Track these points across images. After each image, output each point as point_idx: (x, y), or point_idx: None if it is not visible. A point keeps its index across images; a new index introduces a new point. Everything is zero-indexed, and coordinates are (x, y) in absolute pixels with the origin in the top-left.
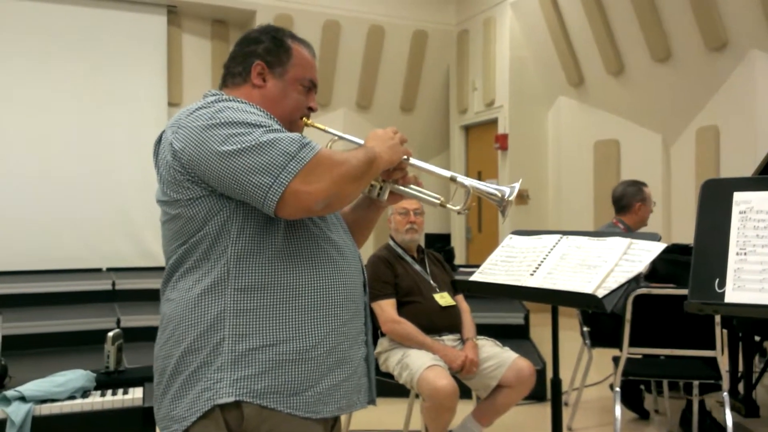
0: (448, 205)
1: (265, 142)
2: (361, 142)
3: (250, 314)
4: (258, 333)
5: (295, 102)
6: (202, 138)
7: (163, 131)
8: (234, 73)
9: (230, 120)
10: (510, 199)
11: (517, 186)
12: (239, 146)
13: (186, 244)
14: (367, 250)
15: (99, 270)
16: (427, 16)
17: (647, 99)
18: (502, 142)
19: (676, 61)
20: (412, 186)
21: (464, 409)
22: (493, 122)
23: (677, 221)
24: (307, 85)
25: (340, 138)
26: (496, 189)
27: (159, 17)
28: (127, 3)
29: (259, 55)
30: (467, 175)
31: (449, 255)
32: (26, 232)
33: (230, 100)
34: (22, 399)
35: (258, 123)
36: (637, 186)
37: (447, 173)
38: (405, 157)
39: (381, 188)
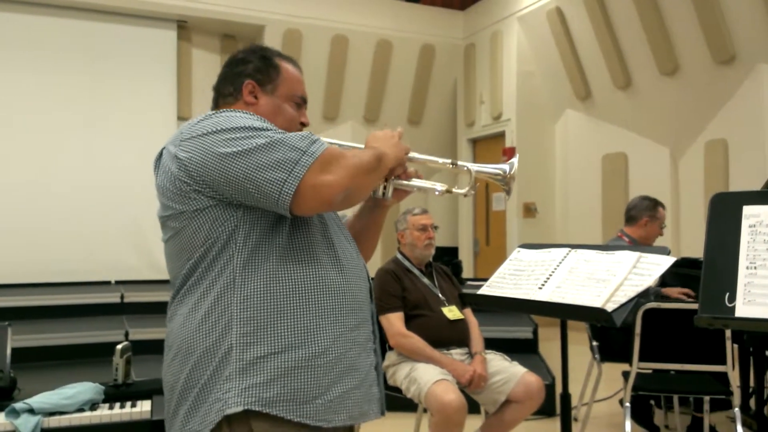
0: (454, 190)
1: (275, 140)
2: (358, 146)
3: (256, 321)
4: (265, 340)
5: (288, 117)
6: (209, 144)
7: (163, 148)
8: (225, 93)
9: (235, 125)
10: (512, 174)
11: (515, 161)
12: (248, 146)
13: (192, 258)
14: (375, 263)
15: (108, 283)
16: (435, 30)
17: (655, 112)
18: (510, 155)
19: (684, 75)
20: (414, 179)
21: (472, 424)
22: (501, 135)
23: (686, 235)
24: (297, 101)
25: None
26: (496, 168)
27: (169, 32)
28: (137, 17)
29: (248, 74)
30: (475, 188)
31: (457, 268)
32: (35, 245)
33: (230, 111)
34: (31, 411)
35: (263, 127)
36: (652, 202)
37: (447, 160)
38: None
39: (385, 187)
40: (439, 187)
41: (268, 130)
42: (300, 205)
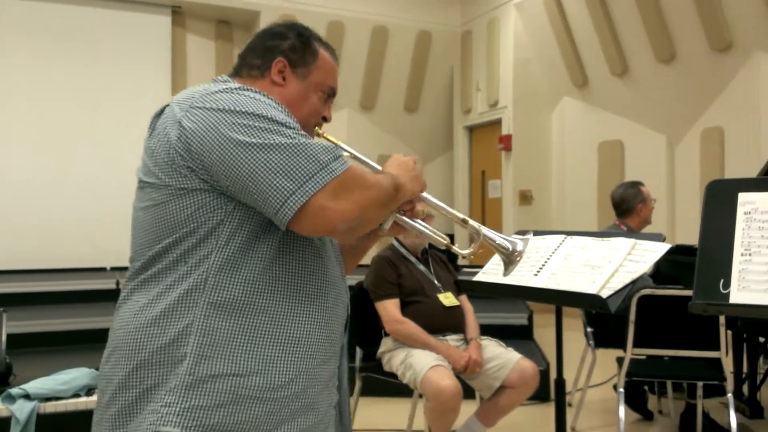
0: (454, 248)
1: (295, 144)
2: (376, 165)
3: (218, 334)
4: (223, 358)
5: (313, 107)
6: (220, 123)
7: (167, 105)
8: (252, 65)
9: (257, 112)
10: (520, 252)
11: (529, 238)
12: (264, 140)
13: (163, 242)
14: (371, 251)
15: (103, 269)
16: (431, 17)
17: (651, 100)
18: (506, 142)
19: (681, 62)
20: (418, 220)
21: (467, 409)
22: (497, 123)
23: (681, 222)
24: (327, 91)
25: (352, 157)
26: (506, 240)
27: (163, 17)
28: (131, 3)
29: (282, 51)
30: (471, 176)
31: (453, 255)
32: (31, 231)
33: (255, 91)
34: (27, 397)
35: (287, 123)
36: (635, 187)
37: (459, 215)
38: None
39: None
40: (441, 238)
41: (292, 128)
42: (300, 224)
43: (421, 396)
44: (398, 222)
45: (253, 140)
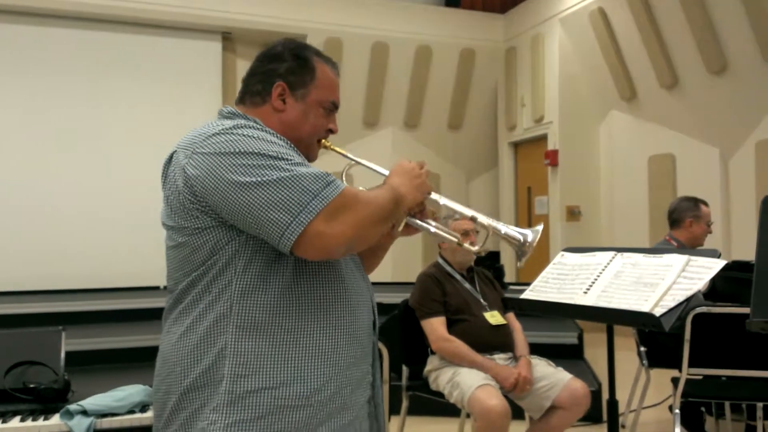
0: (465, 245)
1: (288, 177)
2: (383, 171)
3: (250, 354)
4: (257, 374)
5: (313, 125)
6: (218, 166)
7: (174, 151)
8: (253, 91)
9: (250, 150)
10: (531, 242)
11: (539, 230)
12: (258, 178)
13: (190, 276)
14: (416, 268)
15: (157, 288)
16: (475, 34)
17: (703, 112)
18: (552, 158)
19: (733, 73)
20: (428, 221)
21: (517, 430)
22: (543, 138)
23: (737, 237)
24: (328, 107)
25: (358, 164)
26: (517, 232)
27: (214, 43)
28: (182, 30)
29: (280, 75)
30: (516, 192)
31: (499, 273)
32: (89, 252)
33: (250, 127)
34: (84, 413)
35: (280, 155)
36: (693, 202)
37: (468, 212)
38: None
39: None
40: (452, 238)
41: (284, 159)
42: (300, 251)
43: (468, 415)
44: (410, 223)
45: (248, 179)
